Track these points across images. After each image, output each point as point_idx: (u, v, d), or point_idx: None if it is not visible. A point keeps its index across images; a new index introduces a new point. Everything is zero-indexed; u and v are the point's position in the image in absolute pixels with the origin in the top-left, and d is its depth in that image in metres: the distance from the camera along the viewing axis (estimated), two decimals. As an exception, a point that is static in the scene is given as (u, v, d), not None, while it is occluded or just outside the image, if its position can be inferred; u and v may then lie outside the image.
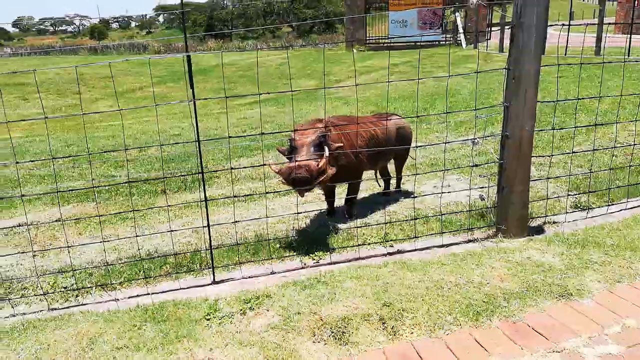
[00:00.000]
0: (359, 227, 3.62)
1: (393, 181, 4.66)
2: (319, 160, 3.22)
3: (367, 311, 2.39)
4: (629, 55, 10.83)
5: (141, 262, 3.18)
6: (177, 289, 2.84)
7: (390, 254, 3.15)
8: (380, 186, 4.63)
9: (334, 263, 3.05)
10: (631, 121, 5.83)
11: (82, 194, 4.90)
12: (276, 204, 4.46)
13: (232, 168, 3.49)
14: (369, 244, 3.34)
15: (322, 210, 4.14)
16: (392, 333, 2.26)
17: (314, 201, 4.49)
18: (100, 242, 3.23)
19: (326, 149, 3.28)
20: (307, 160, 3.16)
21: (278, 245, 3.36)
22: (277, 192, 4.34)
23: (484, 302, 2.43)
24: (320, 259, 3.15)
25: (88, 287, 2.94)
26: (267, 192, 3.46)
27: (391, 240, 3.35)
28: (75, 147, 7.41)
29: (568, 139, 5.73)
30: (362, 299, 2.50)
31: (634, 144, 4.74)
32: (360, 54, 21.77)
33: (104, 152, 4.20)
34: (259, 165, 3.46)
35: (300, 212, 3.90)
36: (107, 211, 4.41)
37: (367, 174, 4.57)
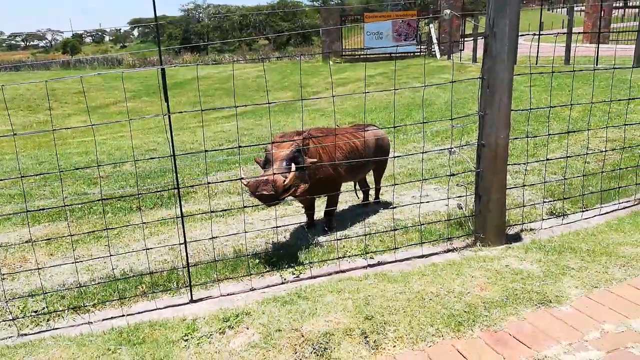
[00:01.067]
0: (339, 239, 3.59)
1: (372, 192, 4.67)
2: (287, 175, 3.19)
3: (349, 325, 2.36)
4: (597, 64, 11.16)
5: (115, 283, 3.09)
6: (154, 309, 2.76)
7: (370, 265, 3.14)
8: (359, 197, 4.63)
9: (315, 277, 3.02)
10: (602, 128, 5.98)
11: (53, 213, 4.76)
12: (255, 218, 4.41)
13: (209, 183, 3.44)
14: (349, 256, 3.32)
15: (302, 223, 4.11)
16: (375, 347, 2.23)
17: (294, 214, 4.46)
18: (73, 262, 3.13)
19: (293, 165, 3.25)
20: (275, 175, 3.14)
21: (257, 261, 3.31)
22: (255, 206, 4.29)
23: (465, 312, 2.43)
24: (301, 273, 3.11)
25: (60, 311, 2.84)
26: (245, 207, 3.42)
27: (371, 252, 3.34)
28: (47, 164, 7.23)
29: (541, 147, 5.85)
30: (343, 313, 2.47)
31: (606, 150, 4.86)
32: (336, 65, 21.94)
33: (77, 169, 4.09)
34: (236, 179, 3.42)
35: (280, 226, 3.87)
36: (79, 230, 4.30)
37: (346, 186, 4.56)
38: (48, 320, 2.77)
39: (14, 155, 8.11)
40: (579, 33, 13.58)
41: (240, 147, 3.01)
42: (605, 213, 3.78)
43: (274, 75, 20.06)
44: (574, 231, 3.44)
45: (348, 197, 4.80)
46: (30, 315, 2.81)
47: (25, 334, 2.64)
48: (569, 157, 4.59)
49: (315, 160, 3.46)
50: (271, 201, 3.16)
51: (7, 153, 8.97)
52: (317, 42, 45.83)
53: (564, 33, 10.24)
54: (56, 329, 2.67)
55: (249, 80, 19.40)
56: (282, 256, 3.34)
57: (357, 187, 4.55)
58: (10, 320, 2.77)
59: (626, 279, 2.69)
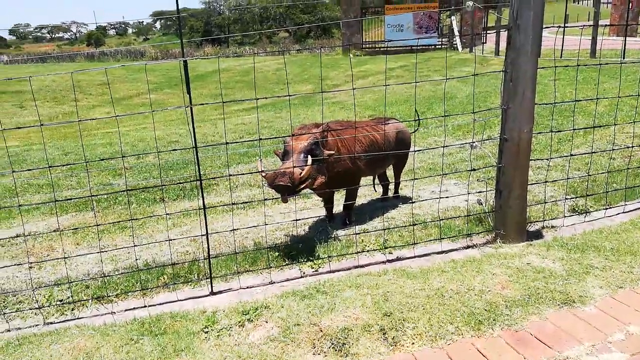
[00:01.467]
0: (357, 233, 3.58)
1: (391, 186, 4.63)
2: (304, 167, 3.19)
3: (368, 321, 2.35)
4: (624, 58, 10.84)
5: (138, 273, 3.13)
6: (175, 301, 2.79)
7: (389, 261, 3.11)
8: (376, 192, 4.60)
9: (333, 271, 3.01)
10: (629, 123, 5.81)
11: (80, 203, 4.85)
12: (275, 211, 4.42)
13: (230, 175, 3.45)
14: (368, 251, 3.30)
15: (321, 217, 4.11)
16: (393, 344, 2.22)
17: (313, 207, 4.45)
18: (98, 252, 3.18)
19: (309, 158, 3.24)
20: (293, 167, 3.13)
21: (277, 254, 3.32)
22: (275, 199, 4.30)
23: (486, 310, 2.40)
24: (320, 267, 3.11)
25: (84, 300, 2.90)
26: (265, 199, 3.42)
27: (390, 247, 3.31)
28: (73, 155, 7.36)
29: (566, 142, 5.71)
30: (362, 308, 2.46)
31: (632, 146, 4.72)
32: (356, 58, 21.80)
33: (102, 159, 4.14)
34: (256, 172, 3.42)
35: (299, 219, 3.87)
36: (105, 220, 4.37)
37: (365, 180, 4.54)
38: (73, 309, 2.83)
39: (41, 145, 8.29)
40: (605, 25, 13.20)
41: (260, 139, 3.01)
42: (629, 211, 3.67)
43: (294, 68, 20.02)
44: (597, 229, 3.36)
45: (367, 191, 4.78)
46: (56, 304, 2.88)
47: (51, 323, 2.69)
48: (594, 152, 4.47)
49: (333, 152, 3.45)
50: (288, 193, 3.15)
51: (35, 143, 9.18)
52: (337, 35, 45.55)
53: (590, 25, 9.96)
54: (80, 318, 2.72)
55: (269, 72, 19.41)
56: (301, 250, 3.34)
57: (377, 181, 4.52)
58: (37, 308, 2.84)
59: (652, 279, 2.61)
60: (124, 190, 3.38)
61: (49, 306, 2.86)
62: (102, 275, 3.16)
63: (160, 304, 2.78)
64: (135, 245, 3.30)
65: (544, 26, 3.00)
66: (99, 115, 13.45)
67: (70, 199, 4.34)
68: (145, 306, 2.75)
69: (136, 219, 4.22)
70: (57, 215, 4.50)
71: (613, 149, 4.93)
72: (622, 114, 6.52)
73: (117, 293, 2.95)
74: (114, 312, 2.72)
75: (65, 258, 3.15)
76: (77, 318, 2.72)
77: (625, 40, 11.33)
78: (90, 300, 2.88)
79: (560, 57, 12.38)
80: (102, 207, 4.80)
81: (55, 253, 3.73)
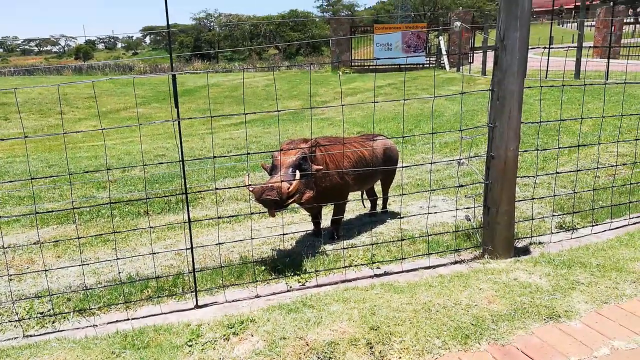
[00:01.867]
0: (345, 248, 3.58)
1: (380, 202, 4.65)
2: (292, 182, 3.20)
3: (354, 335, 2.34)
4: (607, 79, 11.12)
5: (121, 286, 3.09)
6: (159, 314, 2.76)
7: (377, 275, 3.11)
8: (365, 207, 4.61)
9: (321, 285, 3.00)
10: (613, 142, 5.94)
11: (62, 216, 4.79)
12: (261, 225, 4.41)
13: (216, 189, 3.45)
14: (355, 265, 3.30)
15: (308, 231, 4.10)
16: (380, 358, 2.20)
17: (300, 222, 4.45)
18: (80, 265, 3.14)
19: (297, 172, 3.26)
20: (281, 181, 3.14)
21: (263, 268, 3.30)
22: (262, 213, 4.29)
23: (472, 324, 2.40)
24: (307, 281, 3.10)
25: (65, 313, 2.84)
26: (252, 213, 3.42)
27: (378, 262, 3.32)
28: (57, 167, 7.28)
29: (551, 160, 5.81)
30: (349, 322, 2.45)
31: (616, 165, 4.82)
32: (345, 75, 22.03)
33: (86, 172, 4.10)
34: (243, 186, 3.42)
35: (286, 233, 3.86)
36: (87, 233, 4.31)
37: (354, 195, 4.55)
38: (53, 322, 2.77)
39: (25, 157, 8.18)
40: (590, 47, 13.57)
41: (248, 154, 3.02)
42: (615, 228, 3.73)
43: (283, 84, 20.16)
44: (584, 245, 3.40)
45: (355, 206, 4.79)
46: (36, 317, 2.82)
47: (31, 335, 2.64)
48: (579, 170, 4.55)
49: (321, 167, 3.47)
50: (275, 207, 3.16)
51: (18, 155, 9.06)
52: (326, 53, 46.09)
53: (574, 47, 10.22)
54: (61, 331, 2.66)
55: (259, 88, 19.51)
56: (288, 264, 3.33)
57: (365, 196, 4.54)
58: (17, 321, 2.77)
59: (637, 295, 2.65)
60: (107, 203, 3.35)
61: (29, 319, 2.80)
62: (84, 287, 3.11)
63: (143, 317, 2.74)
64: (118, 258, 3.26)
65: (529, 47, 3.07)
66: (85, 129, 13.35)
67: (52, 211, 4.28)
68: (128, 319, 2.70)
69: (119, 232, 4.17)
70: (38, 227, 4.43)
71: (598, 167, 5.03)
72: (605, 133, 6.66)
73: (99, 306, 2.90)
74: (96, 325, 2.67)
75: (45, 270, 3.10)
76: (58, 331, 2.66)
77: (608, 62, 11.65)
78: (71, 313, 2.83)
79: (546, 78, 12.66)
80: (84, 219, 4.74)
81: (35, 266, 3.67)
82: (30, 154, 9.02)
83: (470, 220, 3.67)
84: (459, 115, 9.32)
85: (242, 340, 2.39)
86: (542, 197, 4.40)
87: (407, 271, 3.14)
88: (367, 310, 2.56)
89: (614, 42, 17.67)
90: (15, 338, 2.62)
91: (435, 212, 4.01)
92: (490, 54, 3.47)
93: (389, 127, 9.11)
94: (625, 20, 20.35)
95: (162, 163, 3.99)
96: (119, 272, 3.37)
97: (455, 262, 3.23)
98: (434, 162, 5.04)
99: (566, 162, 5.78)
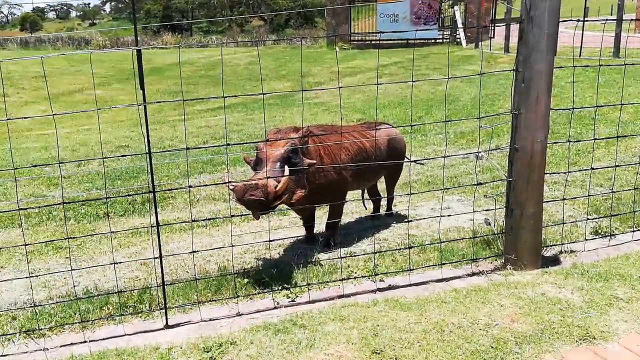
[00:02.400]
0: (343, 257, 3.59)
1: (383, 202, 4.67)
2: (280, 179, 3.19)
3: (354, 360, 2.36)
4: (652, 58, 11.20)
5: (77, 302, 3.09)
6: (122, 335, 2.76)
7: (380, 289, 3.13)
8: (367, 209, 4.63)
9: (314, 302, 3.01)
10: (657, 133, 5.99)
11: (5, 218, 4.77)
12: (244, 229, 4.42)
13: (190, 187, 3.45)
14: (355, 277, 3.32)
15: (299, 238, 4.11)
16: (384, 387, 2.22)
17: (290, 226, 4.46)
18: (27, 277, 3.13)
19: (286, 168, 3.25)
20: (267, 178, 3.13)
21: (246, 281, 3.31)
22: (244, 215, 4.30)
23: (492, 347, 2.43)
24: (297, 296, 3.11)
25: (11, 334, 2.84)
26: (232, 216, 3.42)
27: (381, 274, 3.34)
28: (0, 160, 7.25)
29: (585, 154, 5.85)
30: (347, 345, 2.47)
31: (661, 160, 4.86)
32: (343, 52, 22.05)
33: (34, 166, 4.07)
34: (222, 183, 3.42)
35: (273, 240, 3.86)
36: (35, 239, 4.30)
37: (353, 195, 4.56)
38: (-5, 345, 2.76)
39: (-40, 148, 8.14)
40: (631, 20, 13.63)
41: (228, 145, 3.02)
42: (660, 234, 3.77)
43: (270, 62, 20.14)
44: (623, 254, 3.44)
45: (355, 207, 4.81)
46: (-25, 339, 2.81)
47: (-32, 361, 2.63)
48: (618, 166, 4.59)
49: (315, 162, 3.47)
50: (261, 209, 3.16)
51: (-48, 146, 9.00)
52: (321, 25, 46.06)
53: (613, 20, 10.29)
54: (5, 355, 2.66)
55: (240, 67, 19.49)
56: (275, 276, 3.34)
57: (366, 196, 4.55)
58: (-49, 344, 2.77)
59: (684, 312, 2.68)
60: (59, 203, 3.34)
61: (-35, 342, 2.79)
62: (33, 304, 3.11)
63: (103, 339, 2.75)
64: (73, 269, 3.25)
65: (560, 20, 3.09)
66: (32, 114, 13.27)
67: (-5, 213, 4.27)
68: (85, 341, 2.71)
69: (74, 238, 4.17)
70: (-22, 232, 4.41)
71: (640, 163, 5.07)
72: (649, 122, 6.72)
73: (50, 326, 2.90)
74: (47, 349, 2.67)
75: (-14, 283, 3.10)
76: (2, 355, 2.66)
77: (653, 39, 11.71)
78: (17, 334, 2.82)
79: (579, 56, 12.73)
80: (32, 223, 4.73)
81: (-26, 278, 3.65)
82: (-34, 144, 8.96)
83: (490, 224, 3.70)
84: (477, 100, 9.37)
85: (220, 366, 2.40)
86: (575, 198, 4.43)
87: (416, 284, 3.16)
88: (368, 330, 2.57)
89: (660, 15, 17.80)
90: (-51, 364, 2.61)
91: (449, 215, 4.03)
92: (515, 28, 3.52)
93: (395, 114, 9.13)
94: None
95: (125, 156, 4.00)
96: (74, 286, 3.37)
97: (473, 274, 3.26)
98: (448, 156, 5.07)
99: (603, 156, 5.83)
